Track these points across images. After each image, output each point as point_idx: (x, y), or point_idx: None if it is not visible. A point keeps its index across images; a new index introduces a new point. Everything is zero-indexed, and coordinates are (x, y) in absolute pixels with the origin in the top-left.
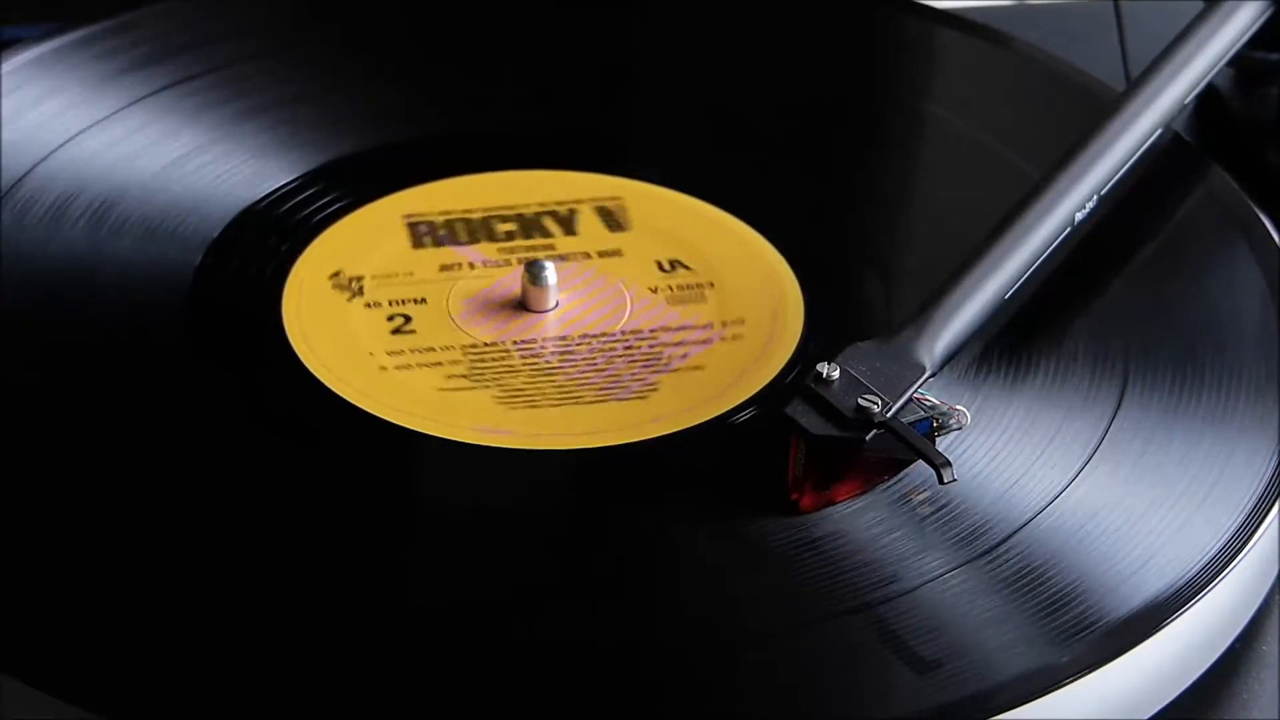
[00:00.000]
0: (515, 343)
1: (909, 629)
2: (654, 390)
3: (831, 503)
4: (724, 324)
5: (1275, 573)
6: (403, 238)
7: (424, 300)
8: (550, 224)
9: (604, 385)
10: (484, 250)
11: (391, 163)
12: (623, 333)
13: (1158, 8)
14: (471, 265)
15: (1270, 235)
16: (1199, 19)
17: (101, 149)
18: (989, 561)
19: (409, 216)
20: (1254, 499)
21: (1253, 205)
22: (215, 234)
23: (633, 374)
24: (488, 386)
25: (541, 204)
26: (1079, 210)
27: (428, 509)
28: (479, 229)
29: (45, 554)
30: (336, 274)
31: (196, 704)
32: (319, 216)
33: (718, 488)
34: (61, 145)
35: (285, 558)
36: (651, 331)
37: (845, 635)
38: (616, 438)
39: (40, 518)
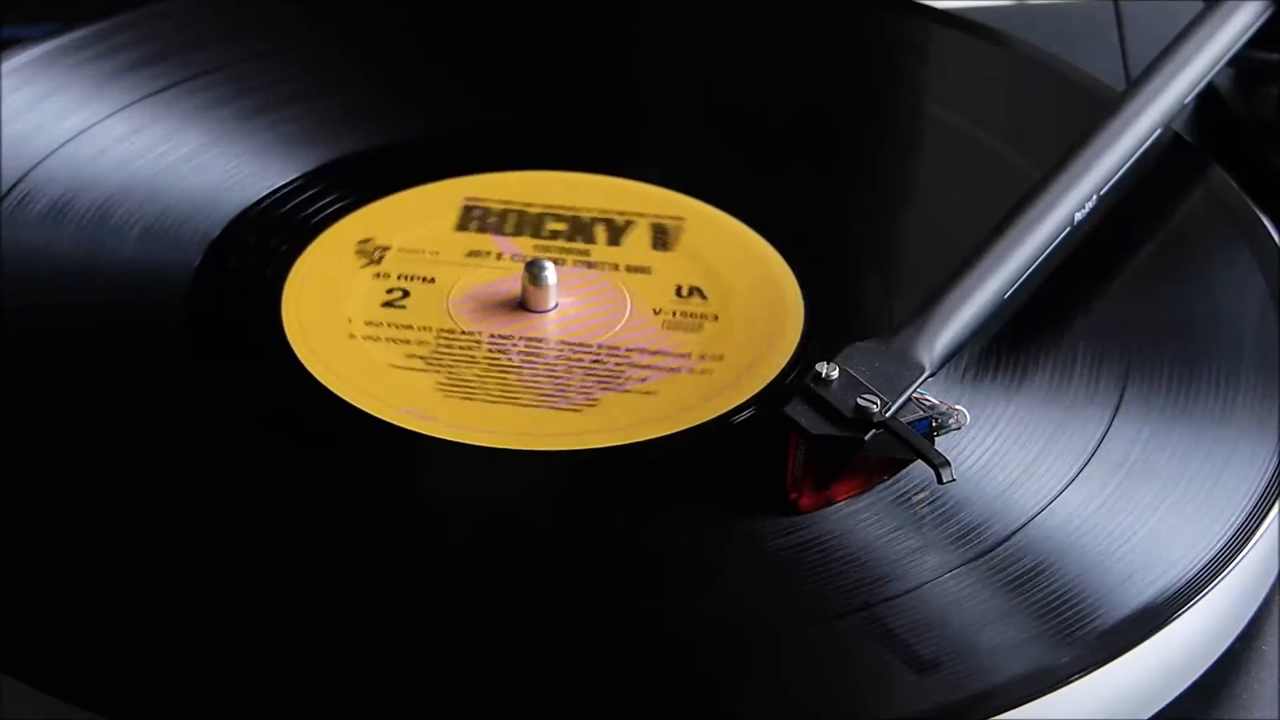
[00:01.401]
0: (491, 336)
1: (909, 629)
2: (592, 405)
3: (831, 502)
4: (701, 357)
5: (1275, 573)
6: (451, 218)
7: (432, 280)
8: (600, 231)
9: (548, 392)
10: (521, 244)
11: (392, 162)
12: (599, 346)
13: (1158, 8)
14: (499, 256)
15: (1270, 235)
16: (1199, 19)
17: (101, 149)
18: (989, 561)
19: (468, 199)
20: (1254, 499)
21: (1253, 205)
22: (215, 234)
23: (581, 386)
24: (436, 372)
25: (603, 211)
26: (1079, 210)
27: (427, 509)
28: (528, 223)
29: (45, 554)
30: (366, 240)
31: (196, 704)
32: (319, 216)
33: (717, 488)
34: (61, 145)
35: (285, 558)
36: (628, 351)
37: (845, 635)
38: (540, 444)
39: (40, 518)
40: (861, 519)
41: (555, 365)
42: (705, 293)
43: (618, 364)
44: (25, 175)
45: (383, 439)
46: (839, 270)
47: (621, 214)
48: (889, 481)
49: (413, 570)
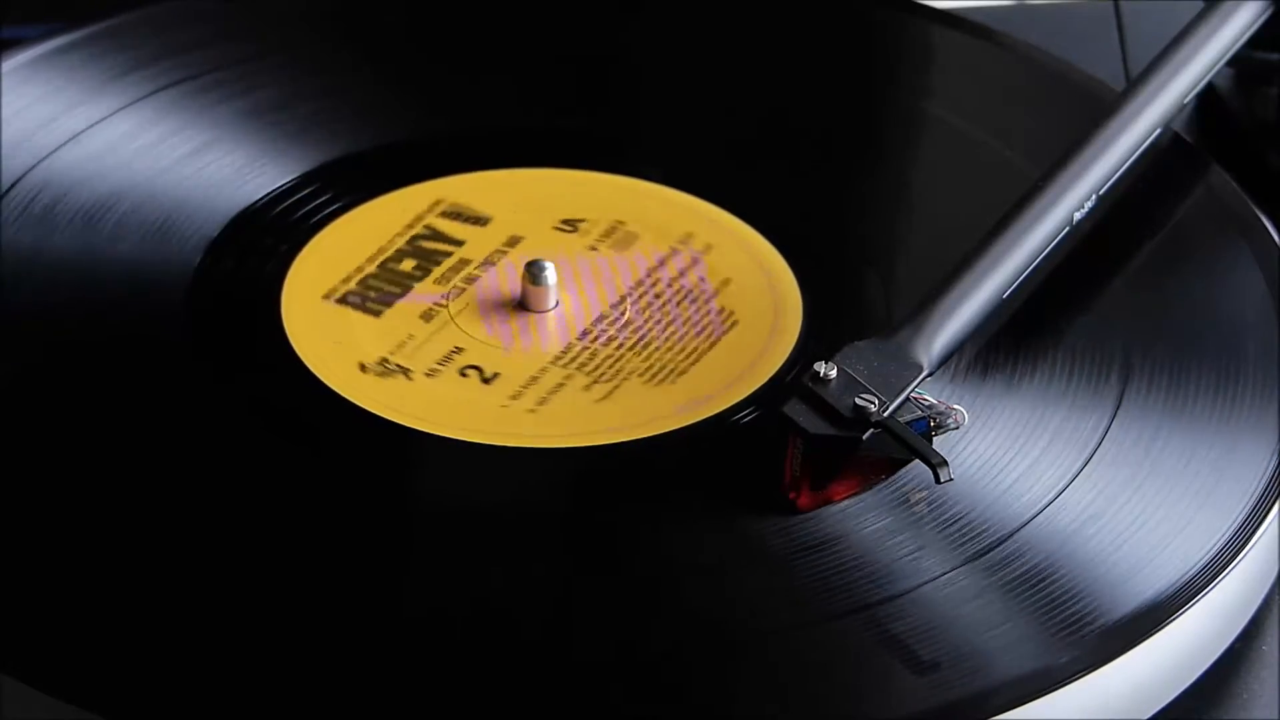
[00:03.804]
0: (583, 337)
1: (908, 629)
2: (733, 316)
3: (829, 502)
4: (680, 243)
5: (1275, 573)
6: (355, 314)
7: (460, 349)
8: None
9: (695, 333)
10: (425, 290)
11: (389, 162)
12: (631, 288)
13: (1158, 8)
14: (440, 305)
15: (1270, 235)
16: (1199, 19)
17: (101, 149)
18: (988, 561)
19: (328, 295)
20: (1254, 499)
21: (1253, 205)
22: (215, 234)
23: (698, 311)
24: (626, 379)
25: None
26: (1078, 210)
27: (426, 509)
28: (393, 278)
29: (45, 554)
30: (364, 368)
31: (196, 704)
32: (319, 216)
33: (716, 487)
34: (61, 145)
35: (285, 557)
36: (649, 274)
37: (845, 635)
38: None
39: (40, 518)
40: (860, 519)
41: (652, 317)
42: (589, 219)
43: (669, 285)
44: (25, 175)
45: (382, 438)
46: (838, 270)
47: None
48: (888, 481)
49: (411, 569)
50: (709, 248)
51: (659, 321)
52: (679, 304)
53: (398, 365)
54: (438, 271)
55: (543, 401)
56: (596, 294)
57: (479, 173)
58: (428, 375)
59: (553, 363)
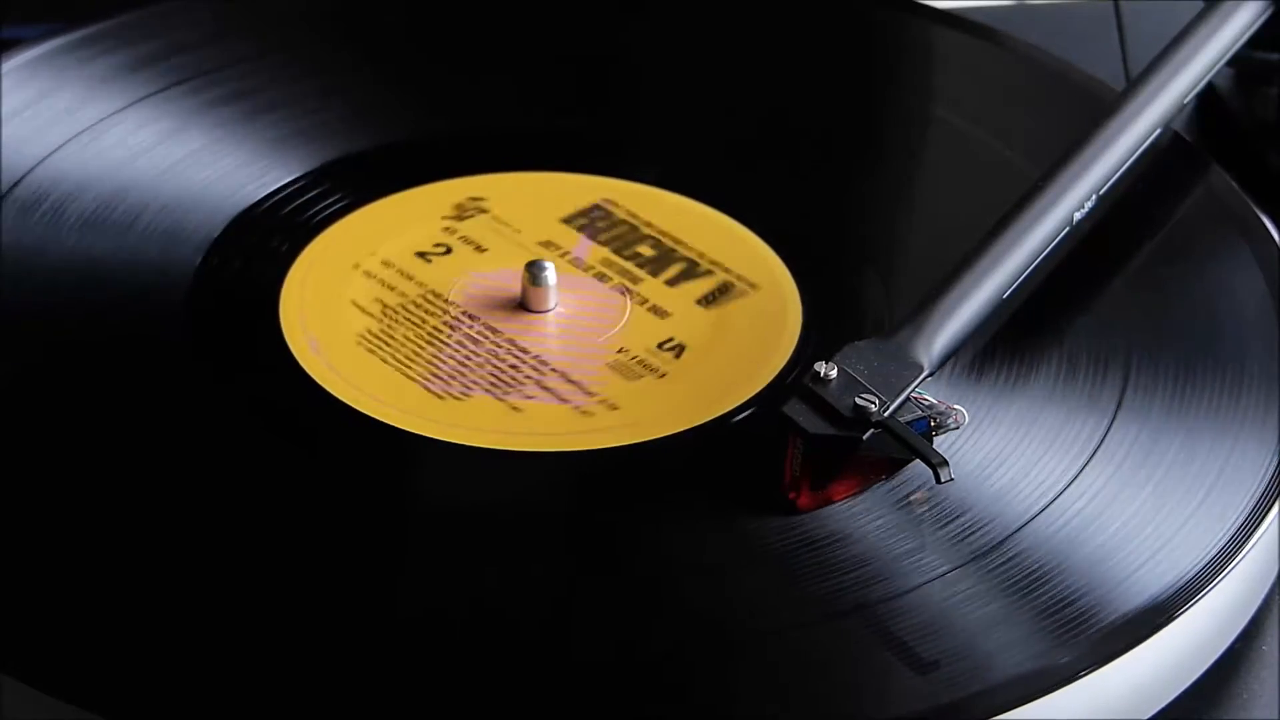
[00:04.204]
0: (461, 313)
1: (908, 629)
2: (459, 399)
3: (829, 502)
4: (602, 401)
5: (1275, 573)
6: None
7: (484, 250)
8: (674, 269)
9: (437, 374)
10: (595, 253)
11: (389, 162)
12: (533, 355)
13: (1158, 8)
14: (564, 254)
15: (1270, 235)
16: (1199, 19)
17: (102, 149)
18: (988, 561)
19: (605, 199)
20: (1254, 499)
21: (1253, 205)
22: (215, 234)
23: (473, 380)
24: (377, 320)
25: (697, 252)
26: (1078, 210)
27: (425, 509)
28: (623, 238)
29: (45, 554)
30: (474, 199)
31: (196, 704)
32: (319, 216)
33: (716, 488)
34: (62, 145)
35: (284, 557)
36: (551, 369)
37: (845, 635)
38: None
39: (40, 518)
40: (861, 519)
41: (476, 355)
42: (684, 353)
43: (527, 375)
44: (25, 175)
45: (382, 439)
46: (839, 270)
47: (711, 262)
48: (888, 481)
49: (410, 570)
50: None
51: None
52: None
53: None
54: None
55: (424, 380)
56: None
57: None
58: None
59: (480, 353)
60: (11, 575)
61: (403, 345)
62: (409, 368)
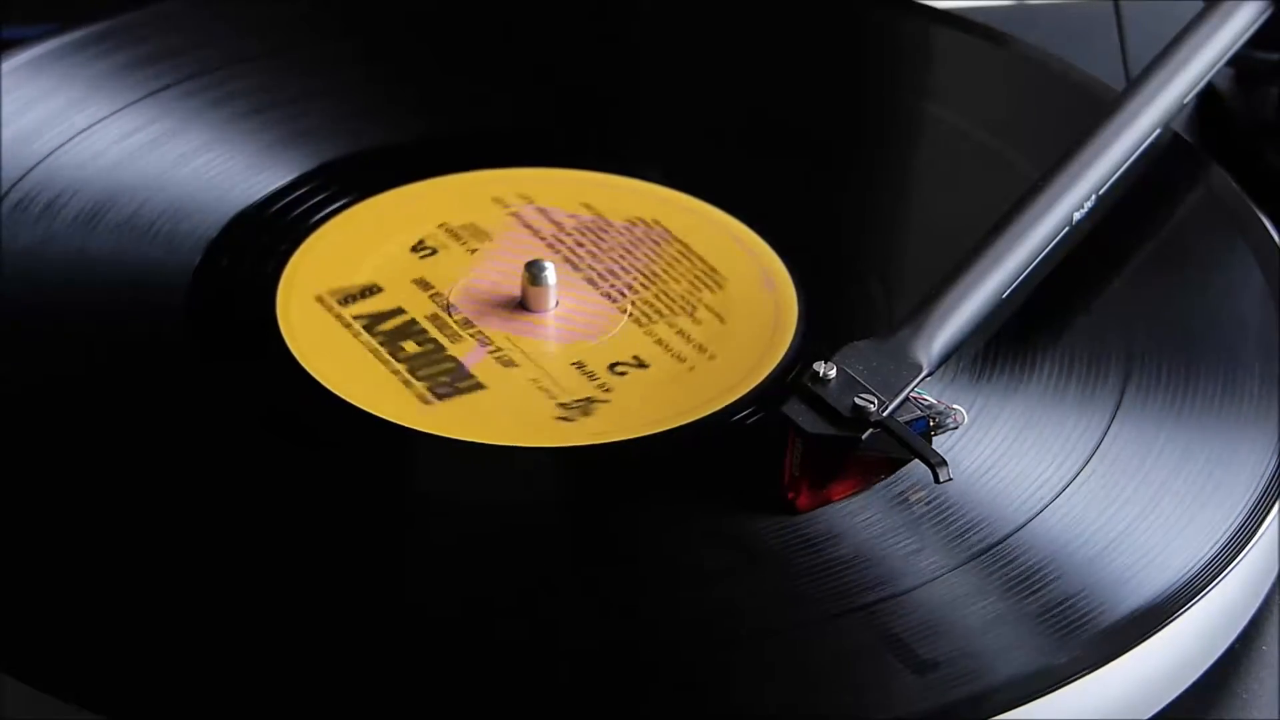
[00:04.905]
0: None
1: (908, 629)
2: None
3: (828, 502)
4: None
5: (1275, 573)
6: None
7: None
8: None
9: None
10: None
11: (394, 162)
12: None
13: (1158, 8)
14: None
15: (1270, 235)
16: (1199, 19)
17: (101, 149)
18: (988, 561)
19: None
20: (1254, 499)
21: (1253, 205)
22: (215, 234)
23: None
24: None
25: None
26: (1078, 210)
27: (426, 508)
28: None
29: (45, 554)
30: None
31: (196, 704)
32: (319, 216)
33: (715, 487)
34: (61, 145)
35: (284, 557)
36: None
37: (844, 635)
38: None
39: (40, 518)
40: (860, 519)
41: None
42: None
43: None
44: (25, 175)
45: (381, 438)
46: (838, 270)
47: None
48: (887, 481)
49: (410, 569)
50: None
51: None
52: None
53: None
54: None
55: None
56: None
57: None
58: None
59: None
60: (11, 575)
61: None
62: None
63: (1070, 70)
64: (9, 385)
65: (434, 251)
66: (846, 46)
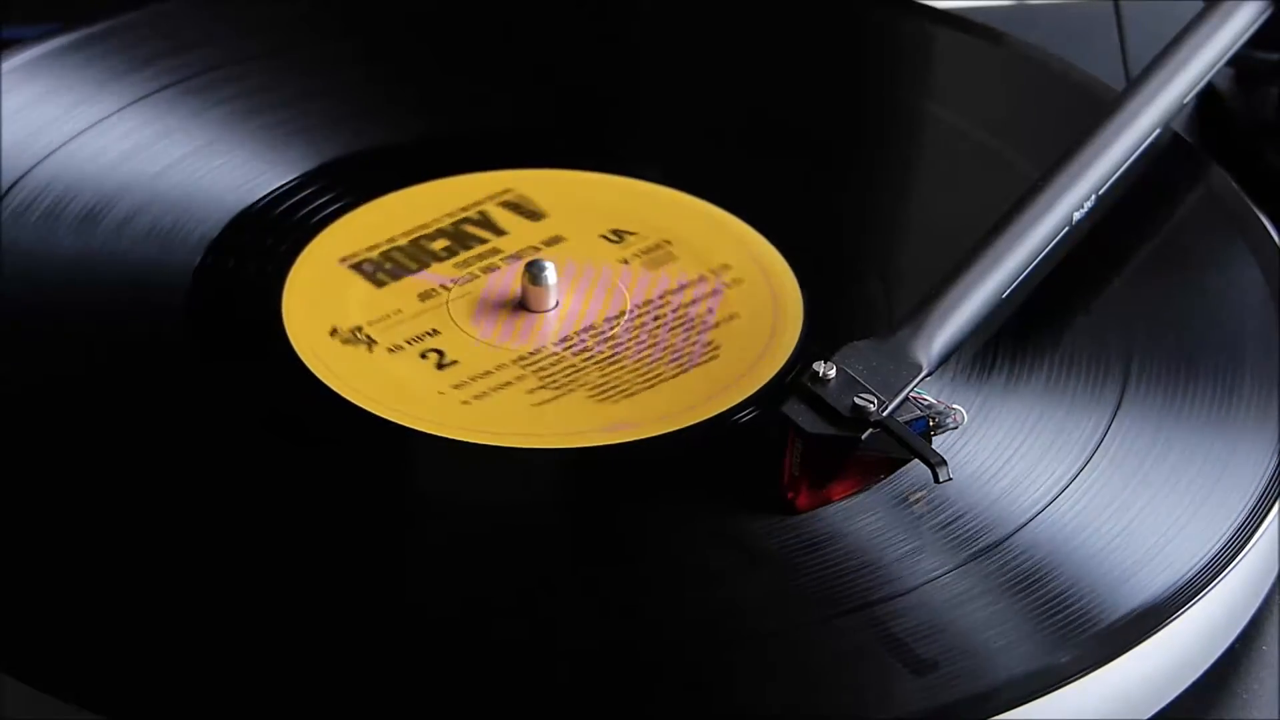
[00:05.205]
0: (559, 343)
1: (908, 629)
2: (716, 351)
3: (828, 502)
4: (711, 272)
5: (1275, 573)
6: (359, 282)
7: (437, 331)
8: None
9: (670, 359)
10: (441, 271)
11: (394, 162)
12: (637, 306)
13: (1158, 8)
14: (445, 288)
15: (1270, 235)
16: (1199, 19)
17: (101, 149)
18: (988, 561)
19: (345, 259)
20: (1254, 499)
21: (1253, 205)
22: (215, 234)
23: (685, 340)
24: (573, 390)
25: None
26: (1078, 210)
27: (428, 509)
28: (418, 254)
29: (45, 554)
30: (334, 331)
31: (196, 704)
32: (319, 216)
33: (716, 487)
34: (61, 145)
35: (284, 558)
36: (660, 297)
37: (844, 636)
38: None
39: (40, 518)
40: (860, 519)
41: (638, 337)
42: (630, 230)
43: (674, 311)
44: (25, 175)
45: (383, 438)
46: (839, 270)
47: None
48: (887, 481)
49: (411, 570)
50: (736, 279)
51: (641, 343)
52: (671, 329)
53: (366, 336)
54: (464, 255)
55: (480, 396)
56: (601, 305)
57: (542, 170)
58: (390, 351)
59: (514, 361)
60: (11, 575)
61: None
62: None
63: (1070, 70)
64: (9, 385)
65: (473, 237)
66: (846, 46)
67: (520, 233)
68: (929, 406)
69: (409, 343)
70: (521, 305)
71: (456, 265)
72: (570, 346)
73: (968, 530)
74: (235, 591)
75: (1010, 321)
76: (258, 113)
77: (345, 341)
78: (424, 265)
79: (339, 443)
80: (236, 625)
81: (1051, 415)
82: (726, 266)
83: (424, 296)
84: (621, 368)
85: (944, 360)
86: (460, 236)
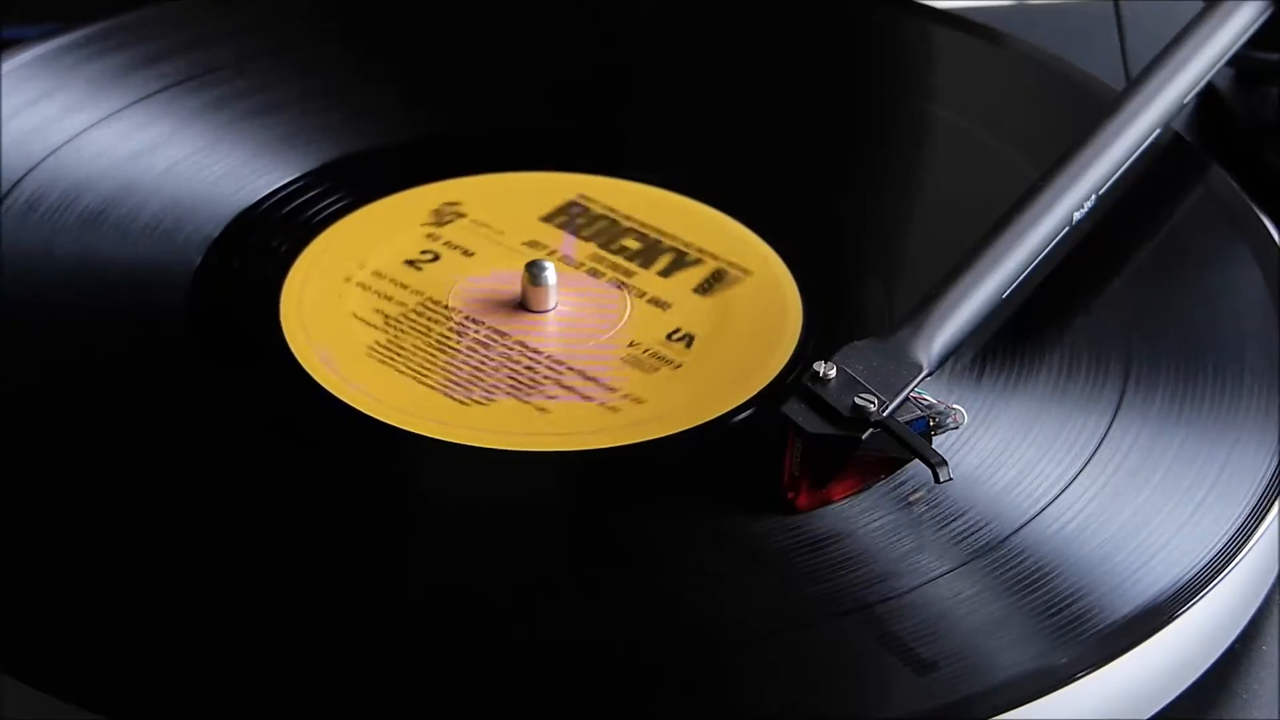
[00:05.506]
0: (464, 319)
1: (908, 629)
2: (483, 404)
3: (828, 502)
4: (625, 397)
5: (1275, 573)
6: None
7: (471, 254)
8: (663, 259)
9: (457, 380)
10: (583, 250)
11: (394, 162)
12: (546, 356)
13: (1158, 8)
14: (552, 253)
15: (1270, 235)
16: (1199, 19)
17: (101, 149)
18: (989, 562)
19: (582, 195)
20: (1254, 499)
21: (1253, 205)
22: (215, 234)
23: (492, 384)
24: (383, 331)
25: (684, 242)
26: (1078, 209)
27: (426, 509)
28: (614, 234)
29: (45, 554)
30: (450, 204)
31: (196, 704)
32: (319, 216)
33: (716, 487)
34: (61, 145)
35: (284, 558)
36: (568, 368)
37: (845, 636)
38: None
39: (40, 518)
40: (860, 519)
41: (490, 359)
42: (694, 342)
43: (545, 376)
44: (25, 175)
45: (382, 440)
46: (839, 270)
47: (699, 250)
48: (887, 481)
49: (410, 571)
50: (736, 279)
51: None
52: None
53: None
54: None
55: (444, 388)
56: (590, 318)
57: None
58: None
59: (493, 357)
60: (11, 575)
61: (414, 354)
62: (426, 376)
63: (1070, 70)
64: (9, 385)
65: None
66: (846, 46)
67: (666, 285)
68: (929, 406)
69: (448, 243)
70: (521, 305)
71: (595, 257)
72: (455, 321)
73: (968, 530)
74: (235, 591)
75: (1010, 321)
76: (258, 113)
77: (434, 211)
78: (590, 240)
79: (337, 443)
80: (236, 625)
81: (1051, 415)
82: (726, 266)
83: (530, 244)
84: (434, 355)
85: (944, 360)
86: (651, 254)
